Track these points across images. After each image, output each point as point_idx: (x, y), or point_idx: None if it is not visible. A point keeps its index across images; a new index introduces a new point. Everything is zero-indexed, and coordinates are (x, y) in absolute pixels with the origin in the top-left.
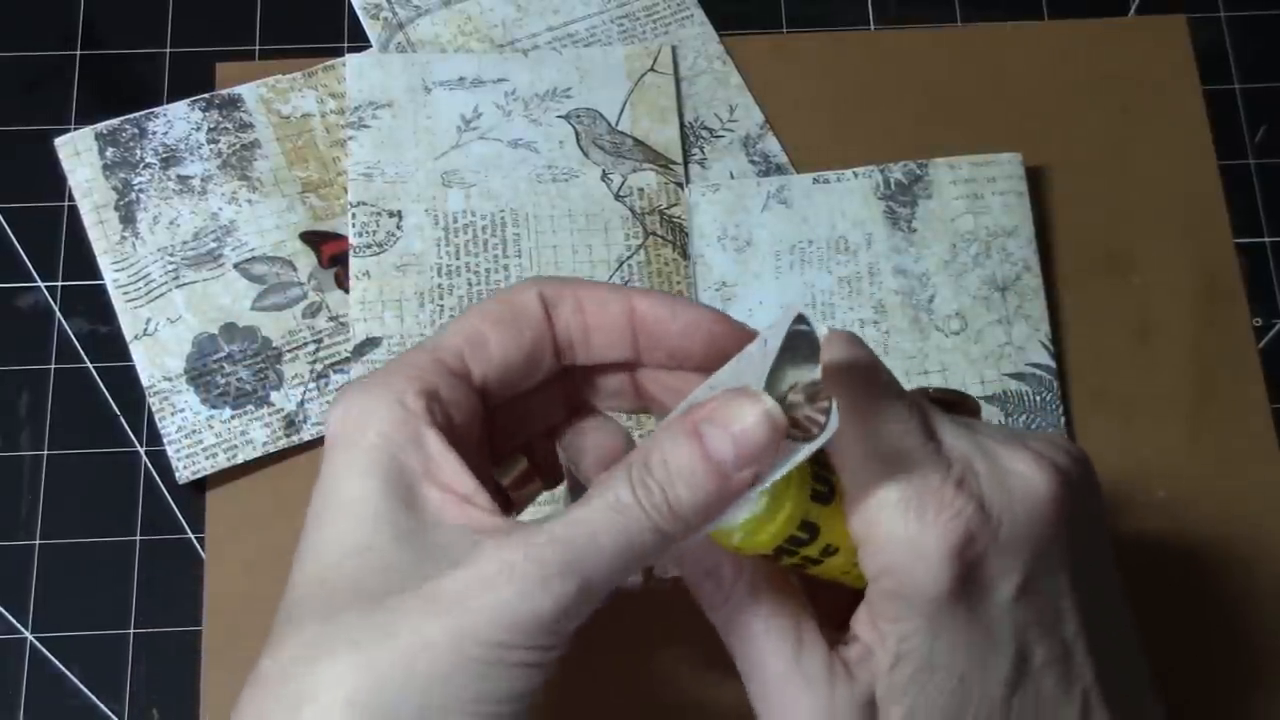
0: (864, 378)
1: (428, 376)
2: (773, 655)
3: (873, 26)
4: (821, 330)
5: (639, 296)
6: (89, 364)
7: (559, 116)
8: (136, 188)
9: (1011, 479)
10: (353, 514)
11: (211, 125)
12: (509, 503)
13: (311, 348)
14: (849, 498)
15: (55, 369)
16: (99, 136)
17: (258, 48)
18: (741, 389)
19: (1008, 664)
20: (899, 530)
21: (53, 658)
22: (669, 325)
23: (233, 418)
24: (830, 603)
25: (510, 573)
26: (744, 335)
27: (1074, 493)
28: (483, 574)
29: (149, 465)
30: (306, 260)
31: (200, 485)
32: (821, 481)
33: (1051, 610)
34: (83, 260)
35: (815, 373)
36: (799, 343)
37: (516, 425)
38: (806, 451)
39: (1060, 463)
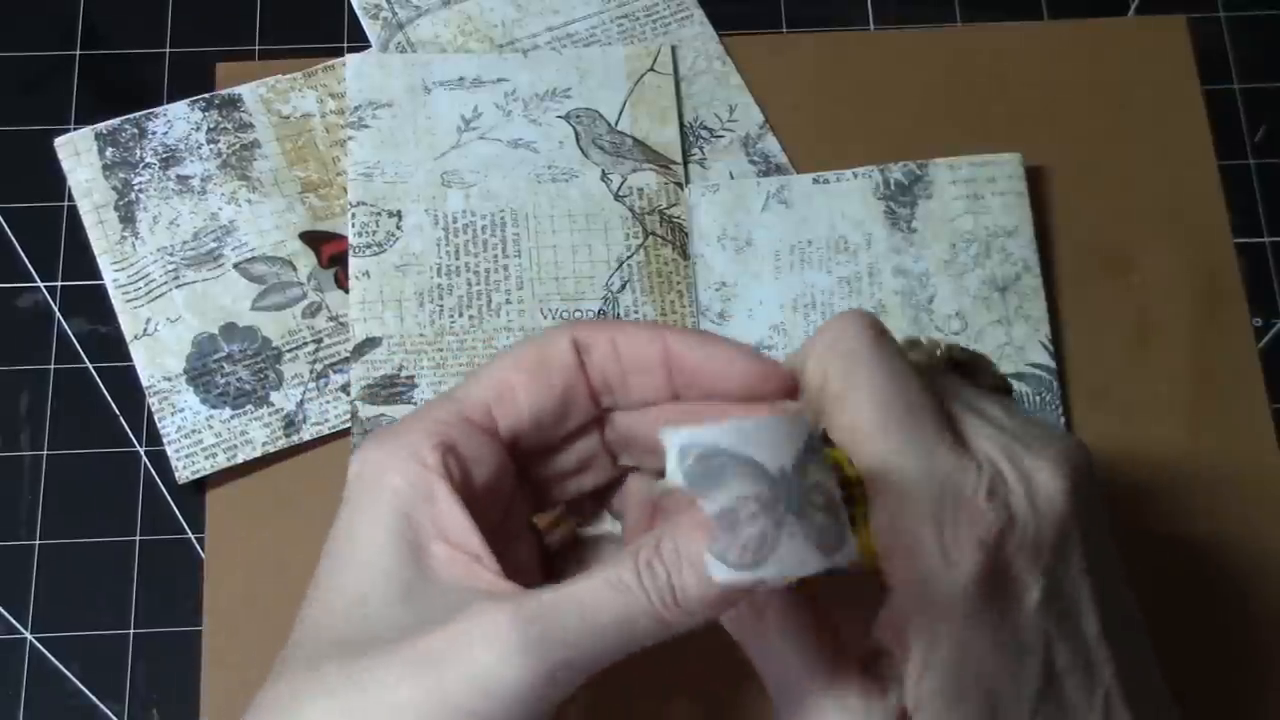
0: (890, 383)
1: (447, 431)
2: (806, 676)
3: (872, 26)
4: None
5: (672, 335)
6: (89, 364)
7: (559, 116)
8: (136, 188)
9: (1035, 483)
10: (359, 565)
11: (211, 125)
12: (549, 559)
13: (311, 348)
14: (876, 505)
15: (55, 369)
16: (99, 136)
17: (258, 48)
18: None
19: (1035, 671)
20: (930, 539)
21: (53, 658)
22: (703, 363)
23: (232, 418)
24: (849, 618)
25: (491, 637)
26: (774, 372)
27: (1089, 487)
28: (463, 634)
29: (149, 465)
30: (306, 260)
31: (200, 485)
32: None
33: (1074, 612)
34: (83, 260)
35: (829, 482)
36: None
37: (559, 480)
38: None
39: (1075, 460)
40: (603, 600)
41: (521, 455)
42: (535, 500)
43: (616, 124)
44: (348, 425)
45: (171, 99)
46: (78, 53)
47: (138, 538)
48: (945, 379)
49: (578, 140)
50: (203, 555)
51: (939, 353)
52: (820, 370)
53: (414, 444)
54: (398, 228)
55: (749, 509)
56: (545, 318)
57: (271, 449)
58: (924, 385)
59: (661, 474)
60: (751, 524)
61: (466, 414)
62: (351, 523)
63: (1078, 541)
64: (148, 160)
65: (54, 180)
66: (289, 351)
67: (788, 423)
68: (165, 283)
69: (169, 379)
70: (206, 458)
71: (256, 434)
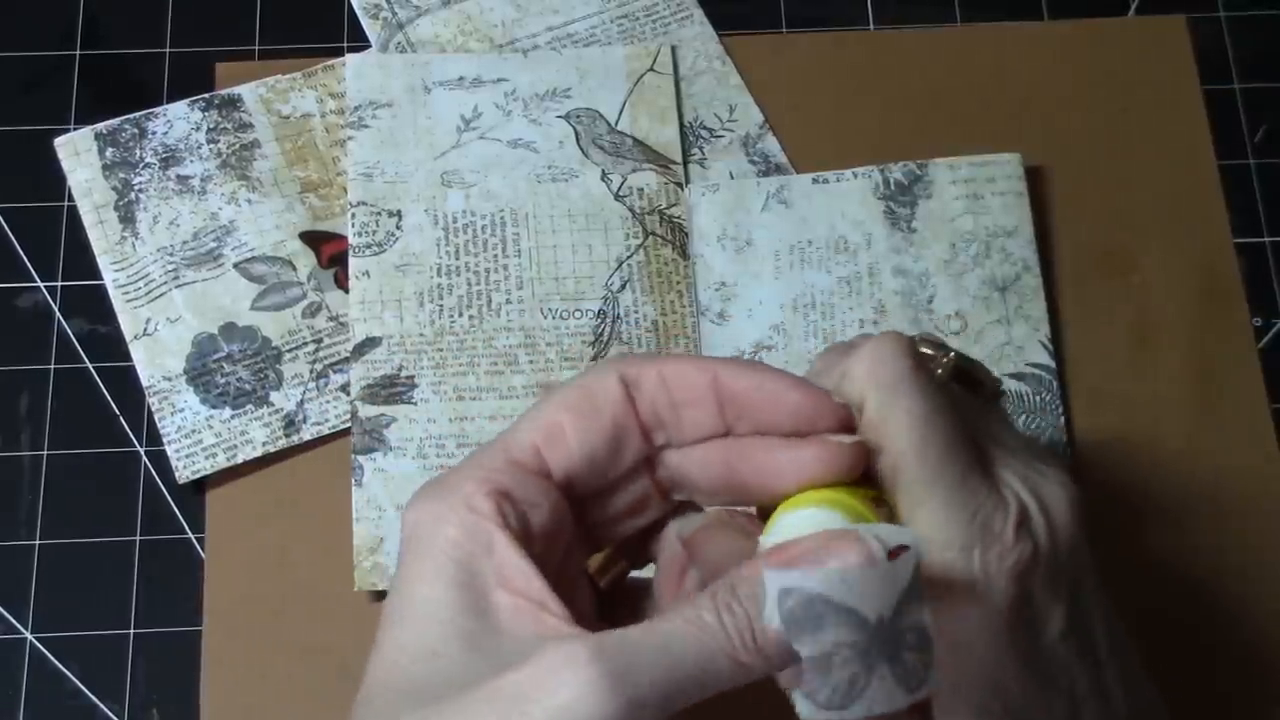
0: (928, 419)
1: (498, 477)
2: None
3: (872, 26)
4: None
5: (722, 365)
6: (89, 364)
7: (559, 116)
8: (136, 188)
9: (1052, 512)
10: (423, 619)
11: (211, 125)
12: (604, 601)
13: (311, 348)
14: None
15: (55, 369)
16: (99, 136)
17: (257, 48)
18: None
19: (1062, 700)
20: (962, 575)
21: (53, 658)
22: (752, 394)
23: (232, 418)
24: None
25: (573, 672)
26: (827, 405)
27: (1084, 506)
28: (544, 671)
29: (149, 465)
30: (306, 260)
31: (200, 485)
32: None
33: (1090, 637)
34: (83, 260)
35: (923, 616)
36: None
37: (615, 521)
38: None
39: (1071, 479)
40: (681, 637)
41: (576, 497)
42: (589, 544)
43: (616, 124)
44: (348, 425)
45: (171, 99)
46: (78, 53)
47: (138, 538)
48: (962, 401)
49: (578, 140)
50: (203, 555)
51: (947, 361)
52: (857, 400)
53: (467, 493)
54: (398, 228)
55: (844, 656)
56: (545, 317)
57: (271, 449)
58: (957, 420)
59: (696, 508)
60: (844, 669)
61: (516, 458)
62: (410, 578)
63: (1089, 565)
64: (147, 160)
65: (54, 180)
66: (289, 351)
67: (891, 569)
68: (165, 283)
69: (169, 379)
70: (206, 458)
71: (256, 434)
